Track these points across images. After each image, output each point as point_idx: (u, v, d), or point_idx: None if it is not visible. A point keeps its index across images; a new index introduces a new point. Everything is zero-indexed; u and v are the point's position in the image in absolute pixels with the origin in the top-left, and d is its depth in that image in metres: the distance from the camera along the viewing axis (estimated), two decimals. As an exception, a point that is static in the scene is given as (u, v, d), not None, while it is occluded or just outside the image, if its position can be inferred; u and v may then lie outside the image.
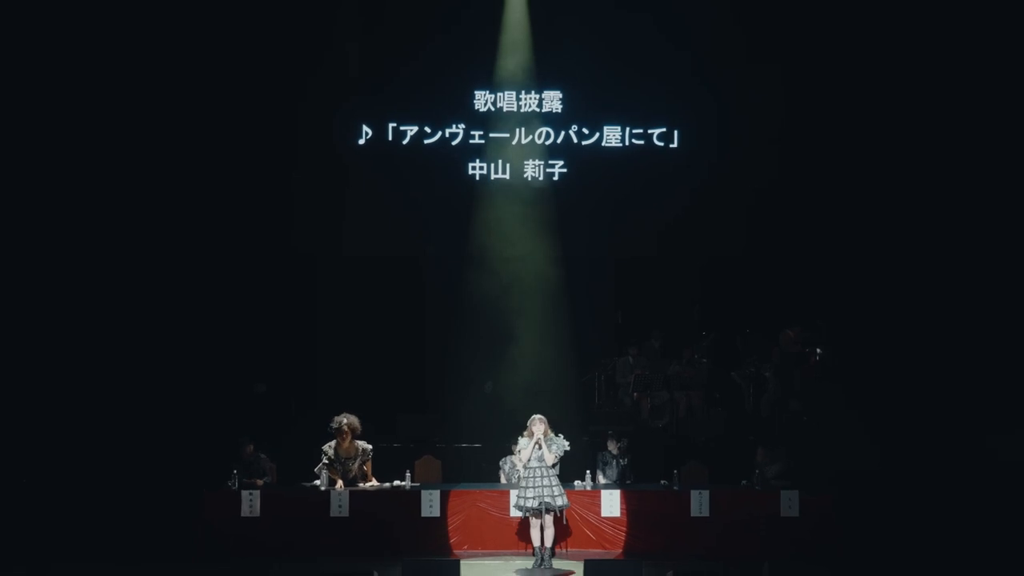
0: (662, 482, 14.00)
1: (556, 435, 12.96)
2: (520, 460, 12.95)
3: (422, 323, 17.85)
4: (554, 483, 12.84)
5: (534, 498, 12.73)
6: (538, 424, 12.92)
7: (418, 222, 17.83)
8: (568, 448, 13.00)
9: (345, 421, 13.69)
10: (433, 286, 17.90)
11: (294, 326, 17.66)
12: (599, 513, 13.59)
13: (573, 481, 13.97)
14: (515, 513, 13.16)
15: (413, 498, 13.52)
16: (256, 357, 17.24)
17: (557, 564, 12.76)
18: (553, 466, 12.90)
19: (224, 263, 17.44)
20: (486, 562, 12.82)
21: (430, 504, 13.52)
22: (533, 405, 16.54)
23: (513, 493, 13.12)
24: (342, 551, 13.04)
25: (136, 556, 13.51)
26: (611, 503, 13.60)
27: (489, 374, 17.62)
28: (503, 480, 14.32)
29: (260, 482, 13.68)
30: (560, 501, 12.84)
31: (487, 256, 17.76)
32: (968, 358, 16.79)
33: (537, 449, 12.79)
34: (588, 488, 13.83)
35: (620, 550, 13.37)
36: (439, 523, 13.50)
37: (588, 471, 14.11)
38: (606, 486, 13.91)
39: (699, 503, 13.58)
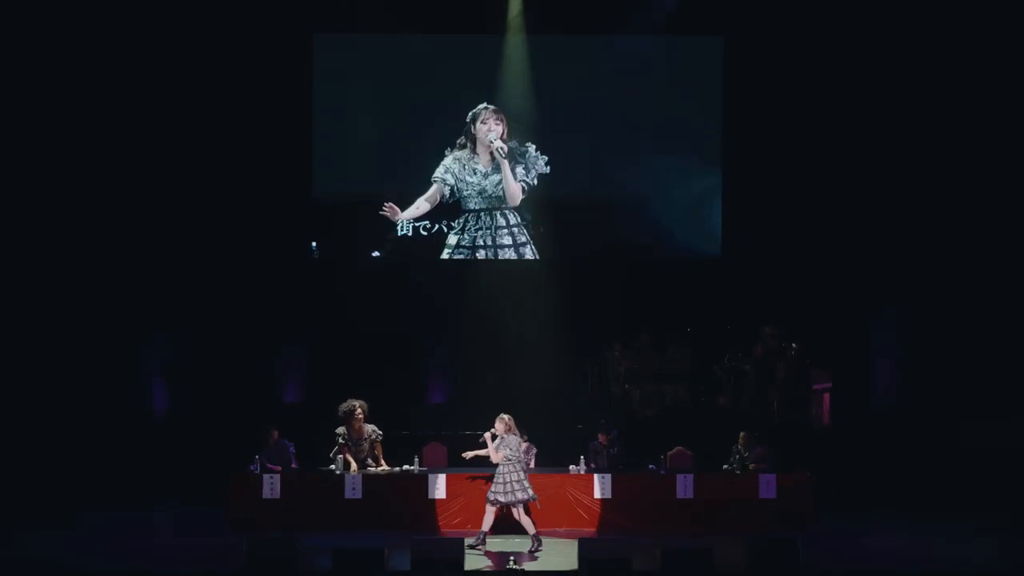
0: (650, 467, 14.06)
1: (510, 435, 12.77)
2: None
3: (428, 323, 17.94)
4: (509, 480, 12.68)
5: (504, 494, 12.68)
6: (497, 423, 12.76)
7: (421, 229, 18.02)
8: (512, 448, 12.76)
9: (357, 404, 13.79)
10: (438, 288, 17.99)
11: (313, 328, 17.82)
12: (592, 495, 13.67)
13: (568, 466, 14.07)
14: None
15: (421, 481, 13.61)
16: (275, 356, 17.55)
17: (553, 544, 12.80)
18: (511, 460, 12.71)
19: (246, 272, 17.58)
20: (487, 540, 12.86)
21: (436, 487, 13.61)
22: (530, 397, 16.72)
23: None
24: (356, 530, 13.13)
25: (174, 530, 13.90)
26: (603, 486, 13.68)
27: (490, 368, 17.75)
28: None
29: (278, 468, 13.76)
30: (519, 497, 12.68)
31: (487, 259, 17.95)
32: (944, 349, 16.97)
33: (500, 447, 12.67)
34: (582, 472, 13.91)
35: (611, 530, 13.44)
36: (445, 504, 13.59)
37: (582, 456, 14.19)
38: (598, 470, 13.98)
39: (684, 486, 13.67)
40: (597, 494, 13.66)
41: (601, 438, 14.54)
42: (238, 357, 17.34)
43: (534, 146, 17.74)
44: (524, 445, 14.34)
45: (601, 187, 17.92)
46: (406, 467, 13.83)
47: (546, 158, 17.76)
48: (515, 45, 17.77)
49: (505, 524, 13.40)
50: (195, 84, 17.14)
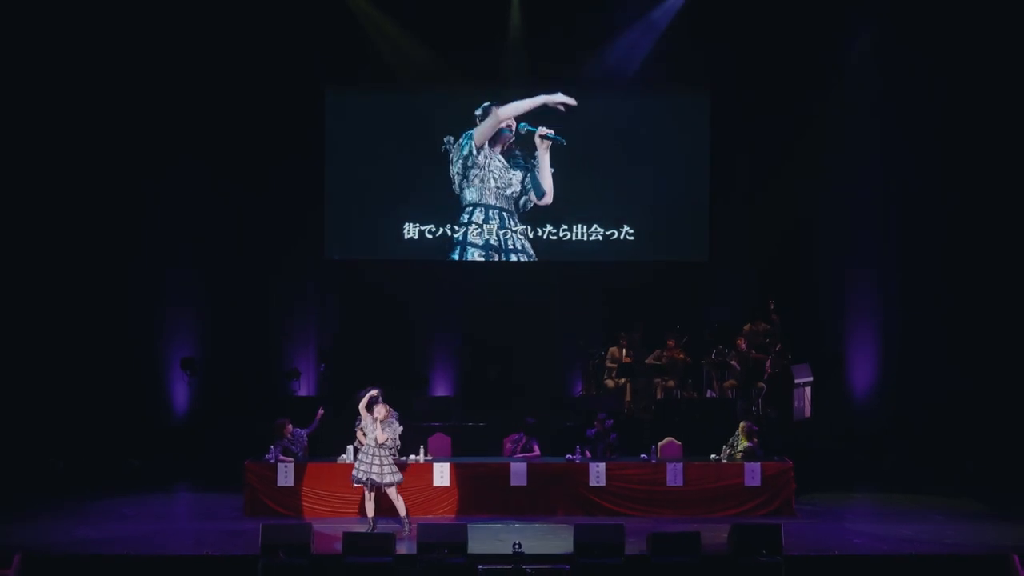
0: (642, 456, 14.09)
1: (392, 420, 12.69)
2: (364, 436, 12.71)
3: (433, 321, 18.06)
4: (384, 463, 12.53)
5: (364, 473, 12.55)
6: (380, 408, 12.61)
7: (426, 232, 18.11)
8: (400, 432, 12.71)
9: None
10: (443, 288, 18.10)
11: (325, 327, 17.96)
12: (588, 483, 13.70)
13: (565, 455, 14.14)
14: (356, 484, 12.92)
15: (426, 470, 13.67)
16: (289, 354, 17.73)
17: (551, 528, 12.87)
18: (385, 445, 12.56)
19: (260, 276, 17.71)
20: (489, 525, 12.86)
21: (441, 475, 13.64)
22: (529, 390, 16.83)
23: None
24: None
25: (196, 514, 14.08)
26: (598, 475, 13.73)
27: (491, 363, 17.85)
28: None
29: (291, 460, 13.79)
30: (387, 479, 12.53)
31: (490, 260, 18.04)
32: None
33: (374, 430, 12.53)
34: (578, 461, 13.98)
35: (606, 515, 13.47)
36: (449, 491, 13.64)
37: (578, 446, 14.25)
38: (593, 459, 14.04)
39: (674, 474, 13.73)
40: (592, 482, 13.70)
41: (596, 426, 14.60)
42: (251, 354, 17.51)
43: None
44: (523, 442, 14.41)
45: (596, 196, 18.04)
46: (413, 457, 13.87)
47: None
48: (515, 90, 17.88)
49: (506, 507, 13.51)
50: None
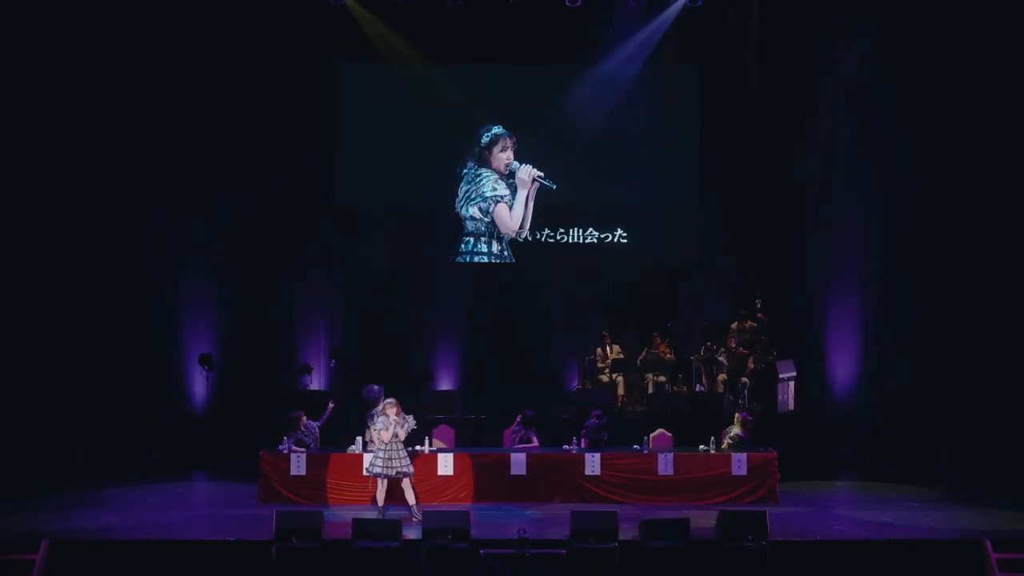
0: (634, 447, 14.16)
1: (407, 416, 12.79)
2: (379, 435, 12.71)
3: (436, 320, 18.13)
4: (402, 455, 12.67)
5: (383, 467, 12.63)
6: (390, 407, 12.69)
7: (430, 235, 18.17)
8: (415, 426, 12.82)
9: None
10: (446, 288, 18.16)
11: (333, 326, 18.03)
12: (584, 472, 13.79)
13: (562, 445, 14.21)
14: (367, 473, 13.03)
15: (431, 460, 13.75)
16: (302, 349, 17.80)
17: (549, 515, 12.93)
18: (399, 440, 12.69)
19: (269, 276, 17.77)
20: (490, 512, 12.99)
21: (445, 464, 13.72)
22: (529, 385, 16.87)
23: (366, 457, 13.06)
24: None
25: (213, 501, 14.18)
26: (593, 464, 13.79)
27: (492, 358, 17.91)
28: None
29: (303, 450, 13.87)
30: (396, 471, 12.65)
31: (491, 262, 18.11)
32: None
33: (390, 427, 12.59)
34: (574, 452, 14.05)
35: (600, 502, 13.53)
36: (452, 480, 13.71)
37: (574, 437, 14.32)
38: (589, 450, 14.10)
39: (665, 464, 13.79)
40: (588, 471, 13.76)
41: (590, 419, 14.64)
42: (265, 350, 17.57)
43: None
44: (522, 433, 14.47)
45: (592, 200, 18.07)
46: (418, 447, 13.93)
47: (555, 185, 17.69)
48: (514, 73, 17.87)
49: (506, 495, 13.57)
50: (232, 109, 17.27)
